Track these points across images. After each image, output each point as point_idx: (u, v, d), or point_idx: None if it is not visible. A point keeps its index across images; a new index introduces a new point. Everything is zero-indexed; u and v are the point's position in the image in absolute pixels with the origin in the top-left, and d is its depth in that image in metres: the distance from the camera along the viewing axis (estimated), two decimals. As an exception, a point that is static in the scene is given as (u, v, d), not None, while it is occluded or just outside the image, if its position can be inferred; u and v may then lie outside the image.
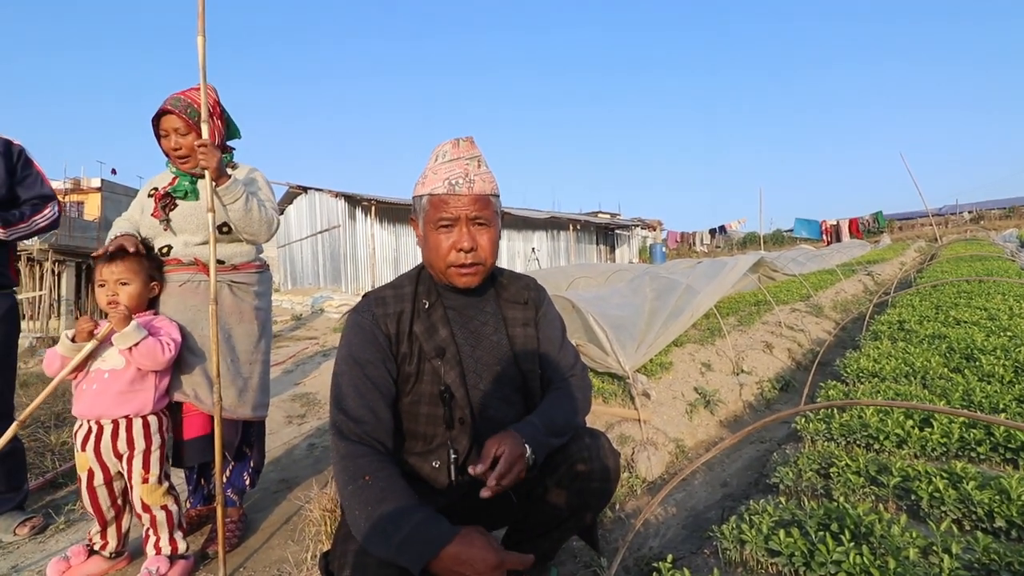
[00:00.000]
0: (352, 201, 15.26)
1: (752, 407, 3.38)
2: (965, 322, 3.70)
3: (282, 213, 19.30)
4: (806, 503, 1.51)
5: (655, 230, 29.06)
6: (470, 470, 1.13)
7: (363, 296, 1.40)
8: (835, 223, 27.44)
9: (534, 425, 1.25)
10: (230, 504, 2.10)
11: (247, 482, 2.15)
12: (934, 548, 1.27)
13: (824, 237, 26.92)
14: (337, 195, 15.51)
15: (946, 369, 2.70)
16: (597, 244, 23.55)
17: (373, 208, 14.94)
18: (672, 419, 2.92)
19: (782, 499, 1.57)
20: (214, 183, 1.82)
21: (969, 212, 35.01)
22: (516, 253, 18.81)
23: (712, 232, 29.00)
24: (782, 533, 1.33)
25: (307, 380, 4.81)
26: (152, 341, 1.74)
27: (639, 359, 3.16)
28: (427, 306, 1.33)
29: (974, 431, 1.89)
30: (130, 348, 1.71)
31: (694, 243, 29.48)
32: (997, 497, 1.47)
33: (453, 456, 1.28)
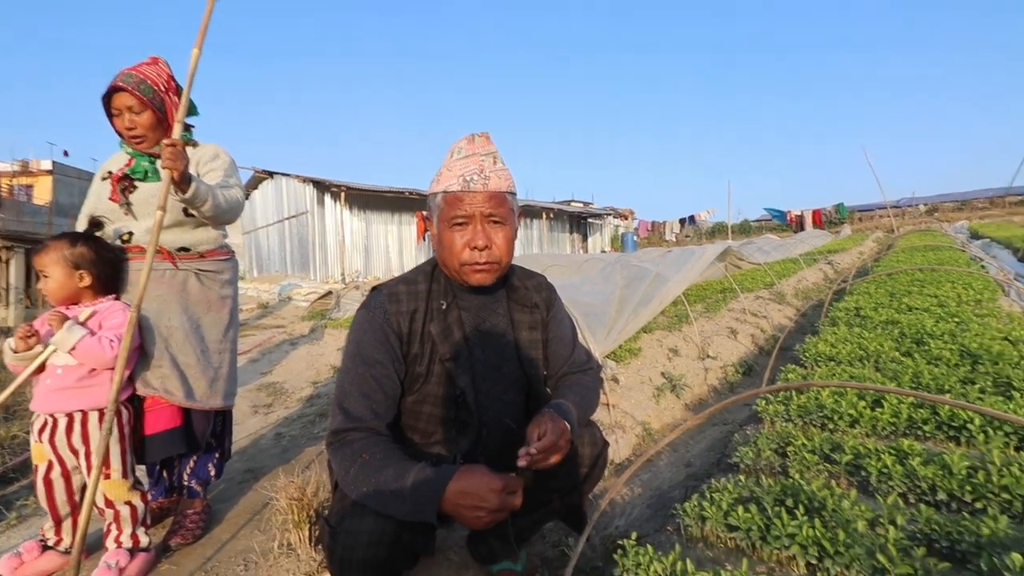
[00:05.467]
0: (321, 187, 14.92)
1: (716, 391, 3.48)
2: (916, 309, 3.88)
3: (247, 198, 18.74)
4: (764, 481, 1.58)
5: (627, 219, 29.39)
6: (520, 456, 1.13)
7: (373, 290, 1.38)
8: (800, 213, 28.34)
9: (569, 410, 1.28)
10: (194, 495, 2.06)
11: (212, 473, 2.11)
12: (881, 520, 1.34)
13: (790, 226, 27.81)
14: (305, 180, 15.14)
15: (898, 353, 2.83)
16: (570, 233, 23.68)
17: (343, 194, 14.64)
18: (640, 403, 2.98)
19: (741, 477, 1.63)
20: (180, 193, 1.70)
21: (925, 205, 36.58)
22: (489, 241, 18.79)
23: (682, 222, 29.52)
24: (740, 509, 1.39)
25: (274, 369, 4.72)
26: (91, 341, 1.65)
27: (609, 345, 3.21)
28: (444, 307, 1.32)
29: (921, 411, 2.00)
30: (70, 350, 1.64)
31: (664, 232, 29.96)
32: (940, 472, 1.56)
33: (461, 461, 1.31)
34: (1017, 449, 1.79)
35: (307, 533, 1.75)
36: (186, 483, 2.06)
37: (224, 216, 1.94)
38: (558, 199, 26.25)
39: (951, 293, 4.37)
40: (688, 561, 1.22)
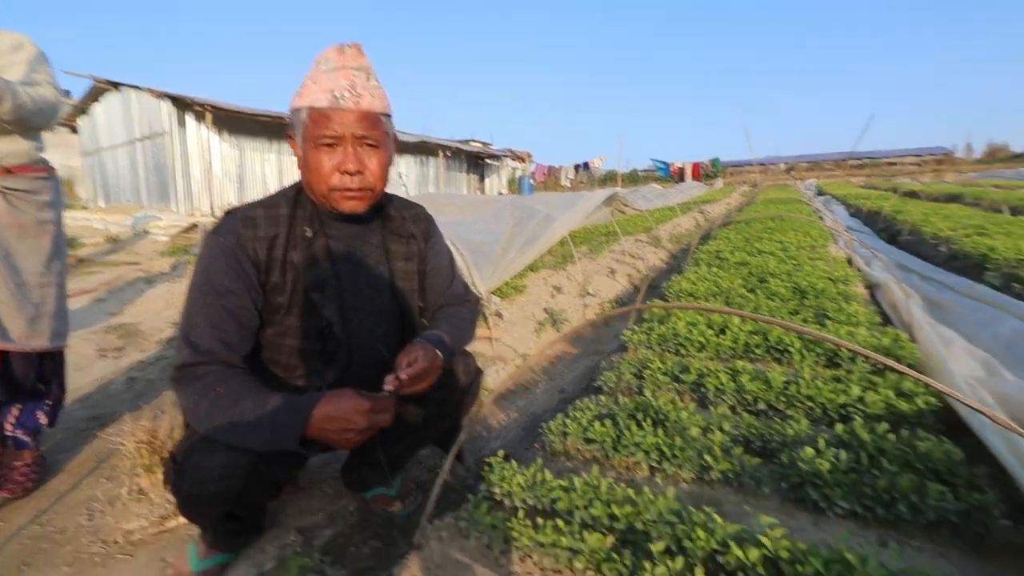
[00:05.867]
0: (181, 104, 13.00)
1: (593, 324, 3.72)
2: (764, 252, 4.40)
3: (84, 112, 15.90)
4: (621, 399, 1.74)
5: (525, 162, 29.46)
6: (387, 381, 1.12)
7: (226, 214, 1.23)
8: (681, 166, 30.43)
9: (443, 340, 1.27)
10: (22, 446, 1.82)
11: (43, 421, 1.87)
12: (712, 427, 1.55)
13: (672, 177, 29.84)
14: (160, 95, 13.07)
15: (744, 290, 3.21)
16: (468, 173, 23.30)
17: (209, 115, 12.91)
18: (522, 337, 3.11)
19: (603, 397, 1.78)
20: None
21: (785, 164, 41.10)
22: (381, 177, 17.86)
23: (577, 168, 30.28)
24: (597, 424, 1.52)
25: (127, 309, 4.20)
26: None
27: (495, 282, 3.26)
28: (309, 235, 1.22)
29: (755, 337, 2.30)
30: None
31: (560, 178, 30.59)
32: (763, 386, 1.83)
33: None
34: (825, 367, 2.14)
35: (161, 477, 1.63)
36: (10, 434, 1.81)
37: (32, 120, 1.62)
38: (456, 138, 25.46)
39: (793, 240, 5.00)
40: (548, 472, 1.32)
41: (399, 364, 1.16)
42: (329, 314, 1.25)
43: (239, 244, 1.17)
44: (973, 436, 1.51)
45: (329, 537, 1.51)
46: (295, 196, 1.26)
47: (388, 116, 1.23)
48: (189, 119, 13.11)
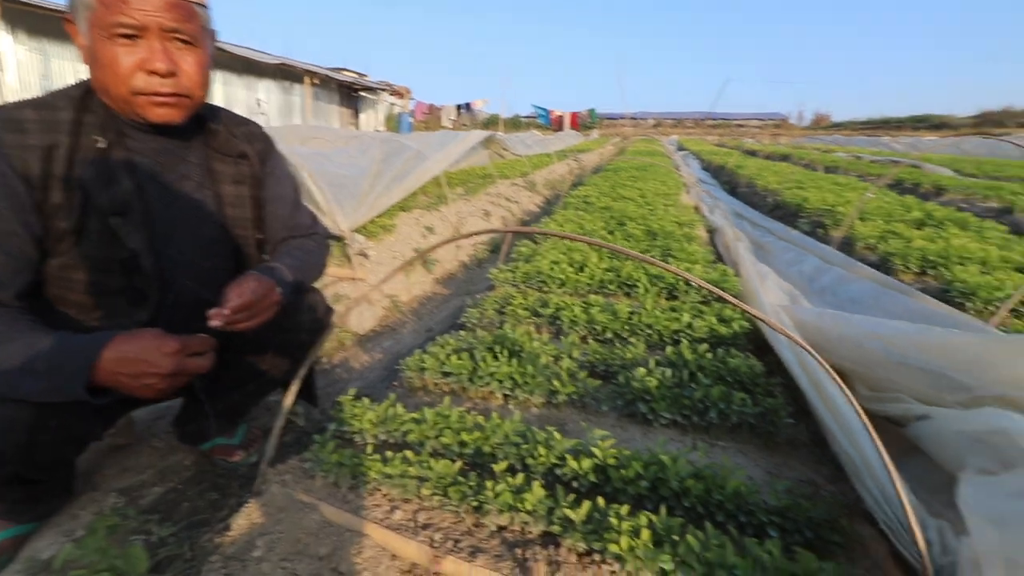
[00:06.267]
0: (-51, -11, 10.07)
1: (466, 266, 3.73)
2: (626, 198, 4.70)
3: None
4: (481, 334, 1.76)
5: (403, 97, 27.81)
6: (212, 316, 0.97)
7: None
8: (561, 115, 31.01)
9: (282, 272, 1.13)
10: None
11: None
12: (562, 355, 1.65)
13: (552, 125, 30.35)
14: (-86, -27, 9.97)
15: (606, 231, 3.40)
16: (340, 105, 21.46)
17: (-7, 7, 10.19)
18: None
19: (463, 333, 1.79)
20: None
21: (653, 119, 43.86)
22: (236, 102, 15.73)
23: (459, 108, 29.38)
24: (454, 357, 1.53)
25: None
26: None
27: (359, 219, 3.09)
28: (103, 146, 0.99)
29: (610, 274, 2.46)
30: None
31: (441, 118, 29.52)
32: (611, 317, 1.97)
33: None
34: (666, 299, 2.36)
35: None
36: None
37: None
38: (327, 66, 23.06)
39: (652, 188, 5.39)
40: (400, 406, 1.31)
41: (227, 296, 1.03)
42: (135, 244, 1.06)
43: (2, 153, 0.93)
44: (774, 353, 1.78)
45: (158, 495, 1.36)
46: (81, 98, 1.02)
47: (204, 7, 1.02)
48: (-38, 9, 10.23)
